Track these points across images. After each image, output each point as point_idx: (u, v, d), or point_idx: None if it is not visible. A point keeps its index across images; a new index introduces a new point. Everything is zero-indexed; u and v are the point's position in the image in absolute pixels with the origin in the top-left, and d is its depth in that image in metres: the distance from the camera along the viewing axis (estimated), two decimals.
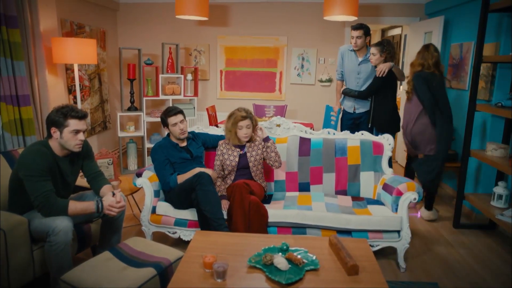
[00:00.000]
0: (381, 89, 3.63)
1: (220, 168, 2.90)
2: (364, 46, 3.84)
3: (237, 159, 2.85)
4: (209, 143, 3.07)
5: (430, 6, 4.95)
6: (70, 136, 2.16)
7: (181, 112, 2.81)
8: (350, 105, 3.97)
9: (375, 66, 3.65)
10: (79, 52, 3.64)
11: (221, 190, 2.83)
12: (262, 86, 5.67)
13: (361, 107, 3.90)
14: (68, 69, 4.26)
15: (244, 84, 5.69)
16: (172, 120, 2.77)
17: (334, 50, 5.45)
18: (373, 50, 3.57)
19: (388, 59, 3.54)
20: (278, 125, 3.24)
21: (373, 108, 3.75)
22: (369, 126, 3.82)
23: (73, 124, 2.15)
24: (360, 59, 3.86)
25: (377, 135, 3.58)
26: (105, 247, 2.38)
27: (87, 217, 2.39)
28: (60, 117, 2.13)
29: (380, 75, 3.51)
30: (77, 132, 2.18)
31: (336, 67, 4.15)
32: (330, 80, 5.52)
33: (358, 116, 3.92)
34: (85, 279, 1.82)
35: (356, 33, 3.75)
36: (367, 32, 3.78)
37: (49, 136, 2.20)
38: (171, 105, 4.81)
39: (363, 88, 3.83)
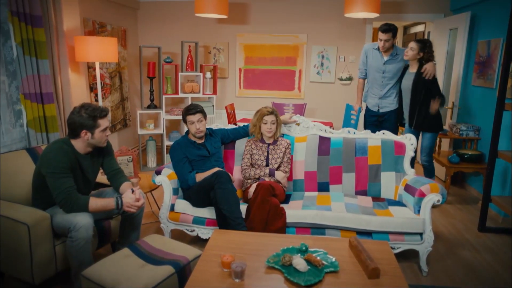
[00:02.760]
0: (425, 89, 3.46)
1: (249, 164, 2.96)
2: (391, 47, 3.72)
3: (266, 154, 2.93)
4: (227, 138, 3.08)
5: (455, 2, 4.79)
6: (101, 135, 2.25)
7: (201, 111, 2.82)
8: (374, 104, 3.89)
9: (404, 62, 3.63)
10: (101, 50, 3.70)
11: (251, 175, 2.91)
12: (281, 84, 5.63)
13: (385, 107, 3.83)
14: (90, 67, 4.33)
15: (263, 82, 5.66)
16: (190, 118, 2.79)
17: (354, 48, 5.36)
18: (413, 44, 3.44)
19: (425, 59, 3.44)
20: (298, 124, 3.20)
21: (416, 108, 3.54)
22: (411, 127, 3.62)
23: (102, 123, 2.23)
24: (385, 58, 3.73)
25: (417, 136, 3.56)
26: (125, 244, 2.41)
27: (107, 213, 2.42)
28: (89, 120, 2.18)
29: (427, 78, 3.40)
30: (105, 129, 2.26)
31: (359, 65, 4.03)
32: (350, 79, 5.43)
33: (381, 114, 3.85)
34: (105, 275, 1.84)
35: (384, 36, 3.61)
36: (395, 34, 3.68)
37: (73, 136, 2.23)
38: (190, 103, 4.84)
39: (387, 88, 3.76)
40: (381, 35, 3.63)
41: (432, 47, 3.47)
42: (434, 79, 3.45)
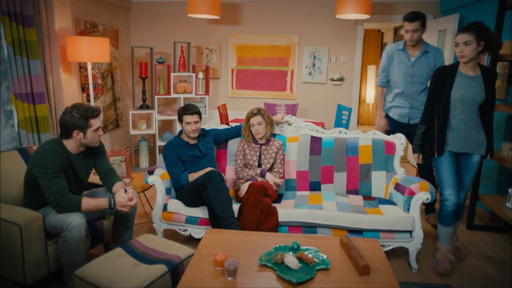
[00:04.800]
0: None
1: (242, 165, 2.98)
2: (421, 41, 3.13)
3: (258, 154, 2.95)
4: (220, 138, 3.11)
5: (444, 4, 4.87)
6: (93, 135, 2.25)
7: (198, 113, 2.84)
8: (403, 114, 3.26)
9: (436, 61, 2.98)
10: (93, 50, 3.69)
11: (244, 176, 2.92)
12: (273, 85, 5.66)
13: (418, 117, 3.10)
14: (82, 67, 4.31)
15: (256, 82, 5.69)
16: (187, 118, 2.80)
17: (346, 49, 5.41)
18: (465, 37, 2.34)
19: (489, 50, 2.40)
20: (290, 124, 3.23)
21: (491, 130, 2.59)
22: (489, 155, 2.60)
23: (94, 123, 2.23)
24: (413, 58, 3.14)
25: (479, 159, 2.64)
26: (117, 244, 2.42)
27: (99, 213, 2.42)
28: (81, 119, 2.18)
29: None
30: (97, 129, 2.26)
31: (379, 71, 3.43)
32: (342, 79, 5.48)
33: (412, 125, 3.18)
34: (98, 274, 1.85)
35: (411, 25, 3.02)
36: (424, 23, 3.04)
37: (65, 136, 2.23)
38: (182, 103, 4.85)
39: (420, 94, 3.16)
40: (407, 25, 3.05)
41: (489, 29, 2.37)
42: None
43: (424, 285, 2.45)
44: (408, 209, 2.61)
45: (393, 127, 3.38)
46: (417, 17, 3.02)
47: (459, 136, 2.52)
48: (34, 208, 2.21)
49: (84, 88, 4.39)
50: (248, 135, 2.99)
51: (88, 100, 4.33)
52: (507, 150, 3.00)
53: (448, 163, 2.57)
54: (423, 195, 2.55)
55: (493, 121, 3.37)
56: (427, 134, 2.64)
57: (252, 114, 2.92)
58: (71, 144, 2.24)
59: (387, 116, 3.43)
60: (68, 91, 3.87)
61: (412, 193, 2.60)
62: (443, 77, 2.50)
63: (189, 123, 2.80)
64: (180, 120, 2.85)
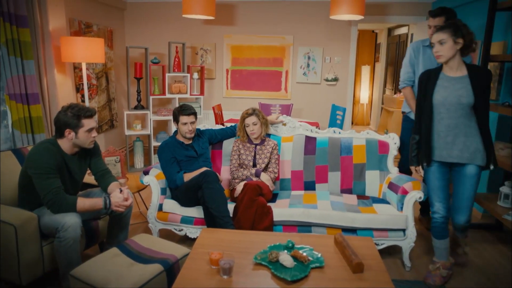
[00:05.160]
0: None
1: (237, 165, 2.99)
2: None
3: (253, 154, 2.96)
4: (215, 138, 3.12)
5: (437, 5, 4.92)
6: (85, 135, 2.23)
7: (194, 113, 2.85)
8: None
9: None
10: (87, 51, 3.69)
11: (239, 176, 2.94)
12: (268, 85, 5.69)
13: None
14: (76, 67, 4.30)
15: (250, 83, 5.70)
16: (183, 119, 2.80)
17: (340, 49, 5.45)
18: (439, 36, 2.18)
19: (469, 48, 2.21)
20: (284, 124, 3.25)
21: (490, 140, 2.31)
22: (493, 166, 2.31)
23: (87, 123, 2.21)
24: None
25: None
26: (113, 244, 2.42)
27: (95, 214, 2.42)
28: (73, 118, 2.17)
29: None
30: (91, 130, 2.24)
31: (403, 70, 3.06)
32: (336, 79, 5.52)
33: None
34: (94, 274, 1.85)
35: (435, 21, 2.69)
36: (450, 19, 2.62)
37: (59, 136, 2.23)
38: (177, 104, 4.86)
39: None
40: (430, 21, 2.74)
41: (466, 26, 2.20)
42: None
43: (417, 283, 2.48)
44: (402, 208, 2.64)
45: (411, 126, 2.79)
46: (442, 13, 2.70)
47: (447, 144, 2.27)
48: (29, 209, 2.21)
49: (78, 89, 4.38)
50: (243, 135, 3.00)
51: (83, 101, 4.32)
52: (498, 149, 3.04)
53: (436, 176, 2.35)
54: (416, 194, 2.58)
55: None
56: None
57: (247, 114, 2.94)
58: (65, 144, 2.24)
59: (407, 119, 3.12)
60: (62, 92, 3.86)
61: (405, 192, 2.63)
62: (427, 81, 2.32)
63: (185, 123, 2.81)
64: (176, 120, 2.85)
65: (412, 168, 2.50)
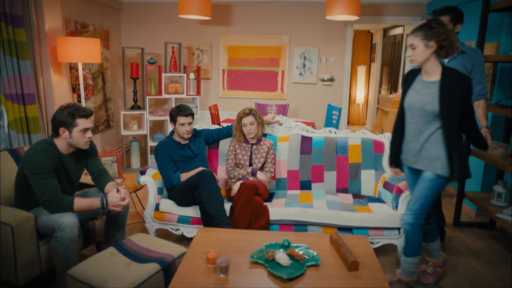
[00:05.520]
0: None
1: (233, 164, 3.00)
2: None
3: (249, 153, 2.98)
4: (211, 138, 3.13)
5: (431, 6, 4.97)
6: (79, 135, 2.22)
7: (192, 114, 2.86)
8: None
9: (472, 63, 2.45)
10: (84, 51, 3.69)
11: (234, 176, 2.95)
12: (264, 85, 5.70)
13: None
14: (72, 68, 4.30)
15: (246, 83, 5.72)
16: (181, 119, 2.81)
17: (336, 50, 5.48)
18: (410, 40, 2.08)
19: (446, 47, 2.02)
20: (280, 124, 3.27)
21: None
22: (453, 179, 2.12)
23: (81, 123, 2.20)
24: (446, 59, 2.55)
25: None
26: (110, 244, 2.43)
27: (92, 213, 2.43)
28: (68, 117, 2.17)
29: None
30: (85, 130, 2.23)
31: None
32: (332, 79, 5.55)
33: None
34: (91, 273, 1.86)
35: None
36: (456, 19, 2.48)
37: (55, 135, 2.24)
38: (173, 104, 4.87)
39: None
40: None
41: (443, 25, 2.04)
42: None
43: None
44: (396, 207, 2.67)
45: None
46: (447, 11, 2.47)
47: (411, 150, 2.19)
48: (25, 209, 2.21)
49: (74, 89, 4.38)
50: (240, 135, 3.01)
51: (79, 101, 4.31)
52: (491, 148, 3.08)
53: (409, 181, 2.33)
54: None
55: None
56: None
57: (244, 114, 2.95)
58: (61, 144, 2.24)
59: None
60: (58, 92, 3.85)
61: (400, 191, 2.66)
62: (406, 81, 2.22)
63: (183, 124, 2.82)
64: (174, 121, 2.86)
65: (392, 169, 2.41)
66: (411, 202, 2.22)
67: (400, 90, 6.56)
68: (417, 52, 2.04)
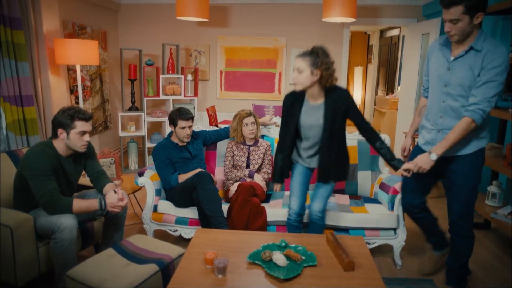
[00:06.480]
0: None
1: (230, 166, 3.02)
2: (471, 34, 2.00)
3: (246, 155, 2.99)
4: (209, 140, 3.15)
5: (427, 8, 5.01)
6: (76, 138, 2.23)
7: (192, 118, 2.88)
8: (428, 139, 2.28)
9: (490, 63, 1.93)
10: (81, 53, 3.70)
11: (232, 178, 2.97)
12: (261, 87, 5.73)
13: (451, 148, 2.11)
14: (70, 69, 4.31)
15: (244, 84, 5.74)
16: (182, 123, 2.83)
17: (333, 51, 5.43)
18: (298, 62, 2.12)
19: (326, 76, 2.12)
20: (277, 125, 3.30)
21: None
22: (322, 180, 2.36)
23: (79, 126, 2.21)
24: (452, 57, 2.09)
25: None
26: (108, 245, 2.44)
27: (90, 215, 2.45)
28: (67, 119, 2.19)
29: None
30: (83, 133, 2.24)
31: (424, 74, 2.41)
32: None
33: (444, 159, 2.16)
34: (90, 274, 1.88)
35: (449, 13, 1.94)
36: (471, 8, 1.90)
37: (54, 136, 2.25)
38: (171, 105, 4.88)
39: (451, 126, 2.10)
40: (445, 13, 1.97)
41: (326, 53, 2.14)
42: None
43: (408, 280, 2.54)
44: (392, 208, 2.70)
45: (415, 154, 2.30)
46: (457, 1, 1.90)
47: (308, 158, 2.45)
48: (24, 210, 2.23)
49: (72, 90, 4.39)
50: (239, 136, 3.01)
51: (77, 102, 4.33)
52: (485, 150, 3.11)
53: (300, 176, 2.47)
54: None
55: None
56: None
57: (246, 114, 2.98)
58: (60, 145, 2.26)
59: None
60: (56, 94, 3.86)
61: (396, 192, 2.68)
62: (292, 104, 2.33)
63: (183, 128, 2.84)
64: (174, 124, 2.87)
65: (276, 186, 2.50)
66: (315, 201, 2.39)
67: (396, 91, 6.60)
68: (304, 76, 2.11)
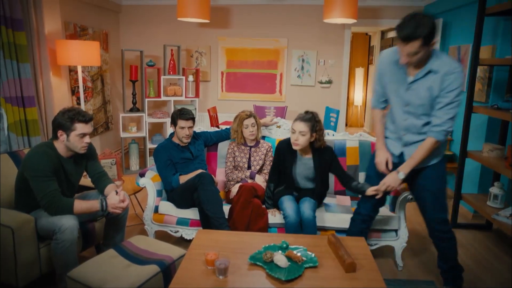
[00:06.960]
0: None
1: (231, 167, 3.02)
2: (427, 56, 2.01)
3: (247, 156, 2.99)
4: (210, 140, 3.15)
5: (428, 9, 5.01)
6: (76, 139, 2.22)
7: (193, 118, 2.88)
8: (395, 151, 2.30)
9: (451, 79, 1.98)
10: (83, 54, 3.70)
11: (234, 179, 2.97)
12: (262, 88, 5.73)
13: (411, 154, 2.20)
14: (72, 70, 4.32)
15: (245, 85, 5.75)
16: (182, 123, 2.83)
17: (334, 52, 5.52)
18: (301, 126, 2.51)
19: (317, 142, 2.58)
20: (279, 126, 3.30)
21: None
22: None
23: (79, 128, 2.21)
24: (411, 77, 2.09)
25: None
26: (109, 245, 2.44)
27: (91, 216, 2.45)
28: (67, 121, 2.18)
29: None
30: (83, 135, 2.24)
31: (372, 88, 2.41)
32: (330, 82, 5.58)
33: (411, 172, 2.20)
34: (91, 275, 1.88)
35: (408, 47, 1.93)
36: (428, 39, 1.91)
37: (55, 137, 2.25)
38: (172, 106, 4.89)
39: (415, 141, 2.19)
40: (403, 48, 1.97)
41: (317, 118, 2.61)
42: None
43: (409, 282, 2.53)
44: (394, 209, 2.69)
45: (372, 161, 2.42)
46: (415, 35, 1.88)
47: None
48: (26, 211, 2.23)
49: (74, 91, 4.39)
50: (240, 137, 3.00)
51: (78, 103, 4.33)
52: (487, 151, 3.11)
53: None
54: (407, 195, 2.63)
55: (476, 122, 3.50)
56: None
57: (247, 116, 2.96)
58: (60, 147, 2.26)
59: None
60: (58, 95, 3.87)
61: (397, 193, 2.68)
62: (285, 154, 2.69)
63: (183, 128, 2.84)
64: (174, 123, 2.87)
65: (273, 210, 2.73)
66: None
67: None
68: (305, 138, 2.52)
